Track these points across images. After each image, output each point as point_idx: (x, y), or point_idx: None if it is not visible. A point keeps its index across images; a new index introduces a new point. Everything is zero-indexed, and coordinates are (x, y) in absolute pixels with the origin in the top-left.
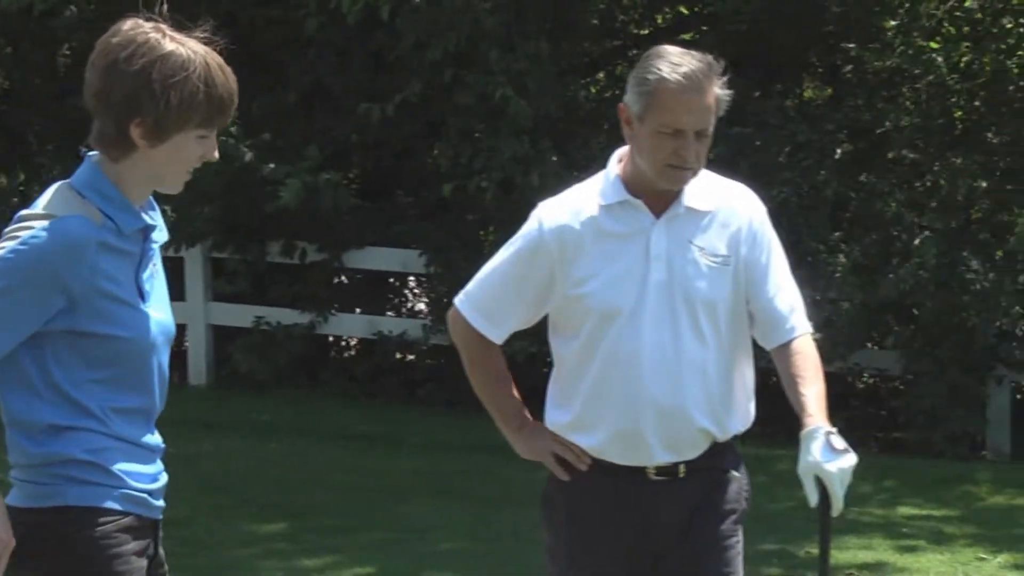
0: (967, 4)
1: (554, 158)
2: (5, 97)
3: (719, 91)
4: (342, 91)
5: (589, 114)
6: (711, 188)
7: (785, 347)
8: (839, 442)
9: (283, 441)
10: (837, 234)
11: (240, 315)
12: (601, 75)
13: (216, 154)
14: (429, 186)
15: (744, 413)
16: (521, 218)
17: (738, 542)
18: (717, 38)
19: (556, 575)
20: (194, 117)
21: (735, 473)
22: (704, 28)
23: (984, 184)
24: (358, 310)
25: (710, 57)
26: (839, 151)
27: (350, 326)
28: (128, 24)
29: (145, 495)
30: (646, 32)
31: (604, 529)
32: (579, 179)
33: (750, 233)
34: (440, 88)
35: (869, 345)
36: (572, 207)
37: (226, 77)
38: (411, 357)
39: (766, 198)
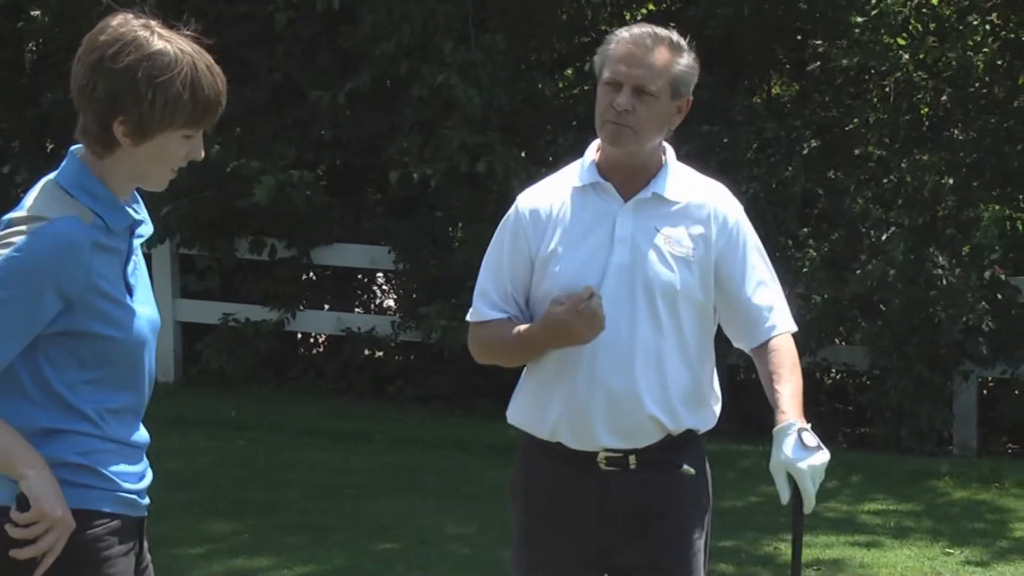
0: (933, 1)
1: (523, 154)
2: None
3: (676, 65)
4: (310, 87)
5: (556, 109)
6: (686, 181)
7: (764, 346)
8: (811, 439)
9: (251, 438)
10: (805, 230)
11: (208, 312)
12: (569, 71)
13: (202, 153)
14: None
15: (706, 411)
16: (488, 214)
17: (699, 540)
18: (686, 35)
19: (514, 559)
20: (179, 117)
21: (690, 469)
22: (672, 25)
23: (951, 181)
24: (327, 307)
25: (675, 34)
26: (807, 147)
27: (319, 323)
28: (117, 20)
29: (134, 496)
30: (615, 29)
31: (557, 514)
32: (545, 174)
33: (725, 230)
34: (403, 82)
35: (837, 341)
36: (546, 190)
37: (214, 78)
38: (380, 354)
39: (735, 193)
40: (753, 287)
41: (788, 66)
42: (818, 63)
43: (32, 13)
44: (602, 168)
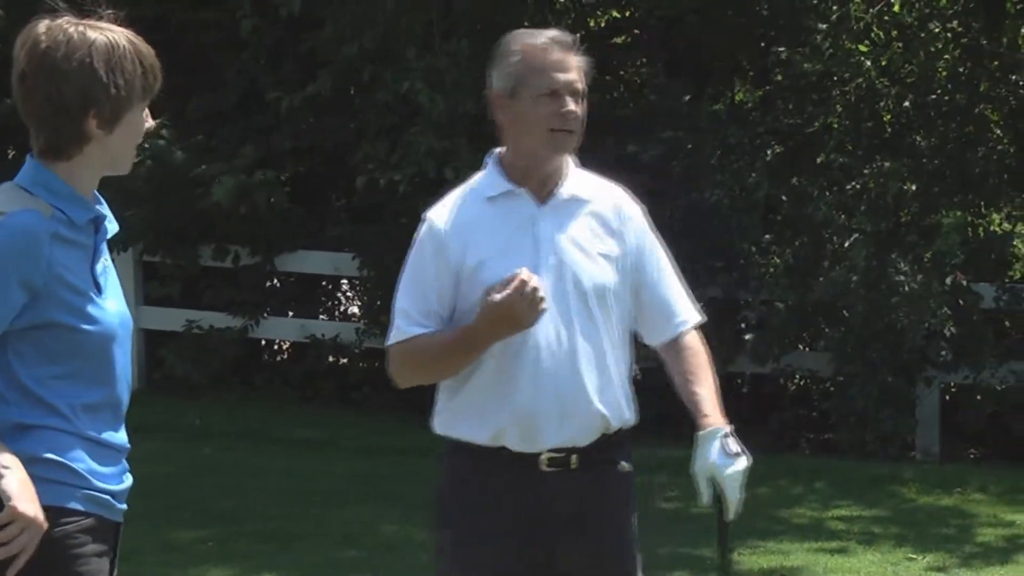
0: (896, 9)
1: (487, 158)
2: None
3: (584, 63)
4: (272, 92)
5: None
6: (590, 182)
7: (675, 342)
8: (734, 445)
9: (216, 445)
10: (768, 236)
11: (172, 319)
12: None
13: (152, 122)
14: (360, 190)
15: (632, 406)
16: None
17: (635, 538)
18: (650, 42)
19: (446, 570)
20: (138, 91)
21: (627, 466)
22: (636, 32)
23: (913, 187)
24: (291, 313)
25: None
26: (770, 154)
27: (283, 330)
28: (42, 27)
29: (108, 497)
30: (578, 35)
31: (497, 520)
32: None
33: (635, 227)
34: (366, 88)
35: (800, 347)
36: (458, 204)
37: (147, 48)
38: (344, 360)
39: (699, 200)
40: (664, 282)
41: (752, 73)
42: (780, 69)
43: None
44: (514, 176)
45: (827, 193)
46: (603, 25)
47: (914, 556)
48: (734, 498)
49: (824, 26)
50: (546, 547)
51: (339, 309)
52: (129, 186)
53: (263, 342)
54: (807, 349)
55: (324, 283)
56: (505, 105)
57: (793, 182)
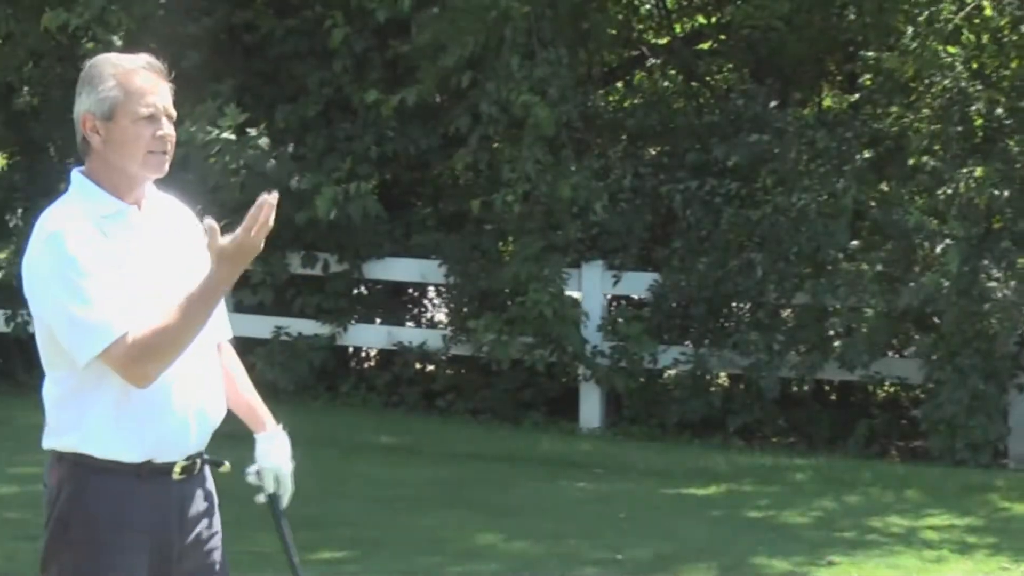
0: (987, 12)
1: (572, 167)
2: (34, 114)
3: (169, 88)
4: (359, 100)
5: (607, 123)
6: (154, 190)
7: (223, 344)
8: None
9: (302, 451)
10: (856, 242)
11: (261, 326)
12: (620, 84)
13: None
14: (447, 197)
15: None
16: (537, 227)
17: None
18: (735, 47)
19: None
20: None
21: (228, 465)
22: (722, 37)
23: (1006, 193)
24: (378, 321)
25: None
26: (858, 158)
27: (370, 337)
28: None
29: None
30: (664, 42)
31: (137, 536)
32: (600, 188)
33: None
34: (456, 96)
35: (890, 354)
36: (78, 223)
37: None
38: (430, 367)
39: (786, 205)
40: None
41: (839, 77)
42: (869, 73)
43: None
44: (118, 194)
45: (917, 198)
46: (689, 32)
47: (1008, 566)
48: (290, 489)
49: (912, 28)
50: (175, 556)
51: (425, 316)
52: (225, 195)
53: (350, 349)
54: (897, 356)
55: (411, 290)
56: (99, 129)
57: (882, 187)
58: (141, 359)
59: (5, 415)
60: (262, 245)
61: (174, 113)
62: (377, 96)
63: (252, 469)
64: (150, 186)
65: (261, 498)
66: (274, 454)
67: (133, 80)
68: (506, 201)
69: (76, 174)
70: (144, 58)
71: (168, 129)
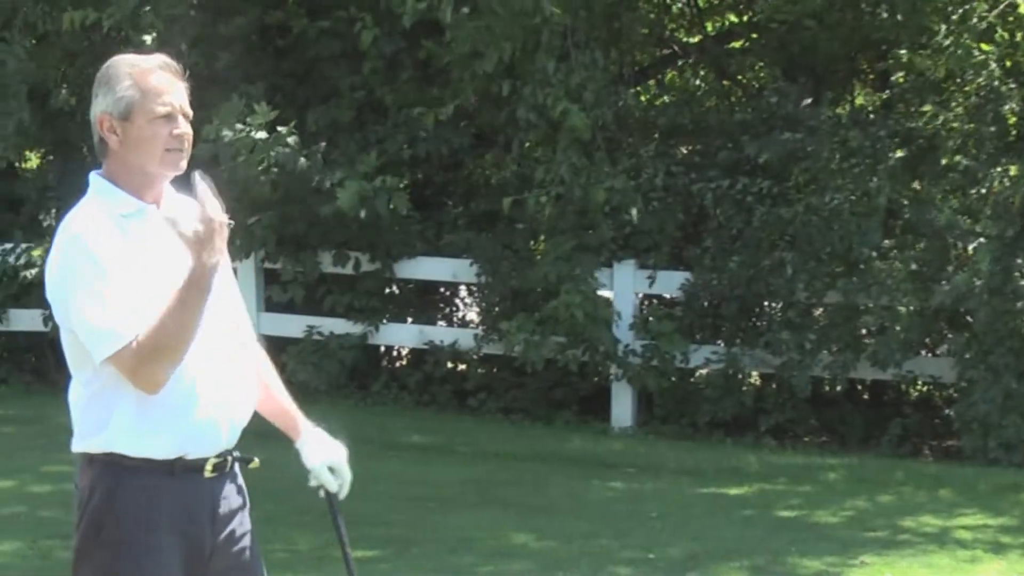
0: (1020, 10)
1: (606, 168)
2: (69, 114)
3: (185, 88)
4: (392, 102)
5: (639, 122)
6: (172, 191)
7: (254, 348)
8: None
9: None
10: (889, 241)
11: (292, 325)
12: (651, 84)
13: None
14: (478, 196)
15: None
16: (569, 226)
17: None
18: (767, 45)
19: None
20: None
21: (257, 462)
22: (754, 36)
23: None
24: (409, 320)
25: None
26: (891, 157)
27: (402, 336)
28: None
29: None
30: (695, 40)
31: (166, 537)
32: (633, 187)
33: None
34: (489, 99)
35: (923, 352)
36: (99, 222)
37: None
38: (462, 367)
39: (819, 204)
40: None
41: (871, 76)
42: (902, 72)
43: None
44: (136, 194)
45: (951, 197)
46: (720, 30)
47: None
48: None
49: (945, 27)
50: (208, 553)
51: (457, 315)
52: (255, 193)
53: (382, 348)
54: (929, 355)
55: (442, 289)
56: (117, 129)
57: (915, 186)
58: (146, 362)
59: (39, 414)
60: (225, 220)
61: (190, 112)
62: (420, 110)
63: (312, 479)
64: (168, 186)
65: (322, 494)
66: (320, 450)
67: (149, 79)
68: (539, 202)
69: (94, 176)
70: (160, 58)
71: (185, 127)
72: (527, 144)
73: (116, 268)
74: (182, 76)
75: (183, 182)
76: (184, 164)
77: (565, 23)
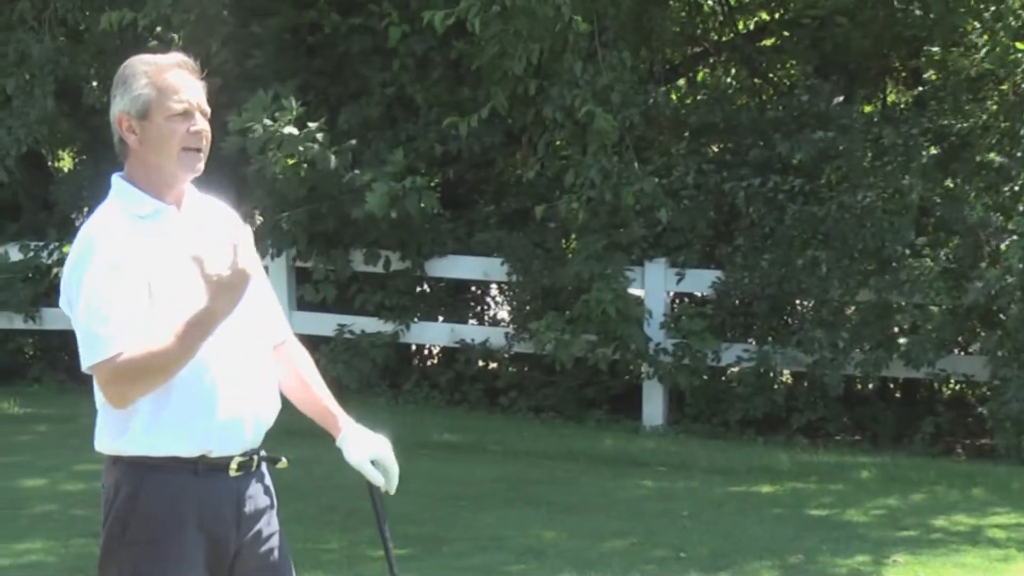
0: None
1: (635, 165)
2: (102, 112)
3: (203, 86)
4: (423, 101)
5: (669, 120)
6: (195, 191)
7: (293, 344)
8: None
9: None
10: (922, 239)
11: (324, 323)
12: (682, 82)
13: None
14: (509, 195)
15: None
16: (601, 225)
17: None
18: (799, 43)
19: None
20: None
21: (285, 461)
22: (786, 33)
23: None
24: (440, 318)
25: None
26: (924, 155)
27: (433, 334)
28: None
29: None
30: (727, 38)
31: (191, 535)
32: (661, 186)
33: (246, 236)
34: (520, 99)
35: (955, 351)
36: (117, 223)
37: None
38: (493, 365)
39: (851, 202)
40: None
41: (904, 73)
42: (934, 70)
43: (157, 30)
44: (156, 195)
45: (983, 194)
46: (752, 28)
47: None
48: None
49: (979, 24)
50: (233, 552)
51: (488, 314)
52: (286, 191)
53: (413, 347)
54: (962, 353)
55: (473, 288)
56: (135, 129)
57: (947, 184)
58: (124, 380)
59: (72, 412)
60: (250, 275)
61: (208, 110)
62: (453, 118)
63: (369, 476)
64: (190, 187)
65: (382, 489)
66: (363, 445)
67: (165, 77)
68: (571, 208)
69: (115, 177)
70: (177, 56)
71: (202, 124)
72: (556, 143)
73: (125, 273)
74: (200, 74)
75: (207, 182)
76: (201, 166)
77: (591, 23)
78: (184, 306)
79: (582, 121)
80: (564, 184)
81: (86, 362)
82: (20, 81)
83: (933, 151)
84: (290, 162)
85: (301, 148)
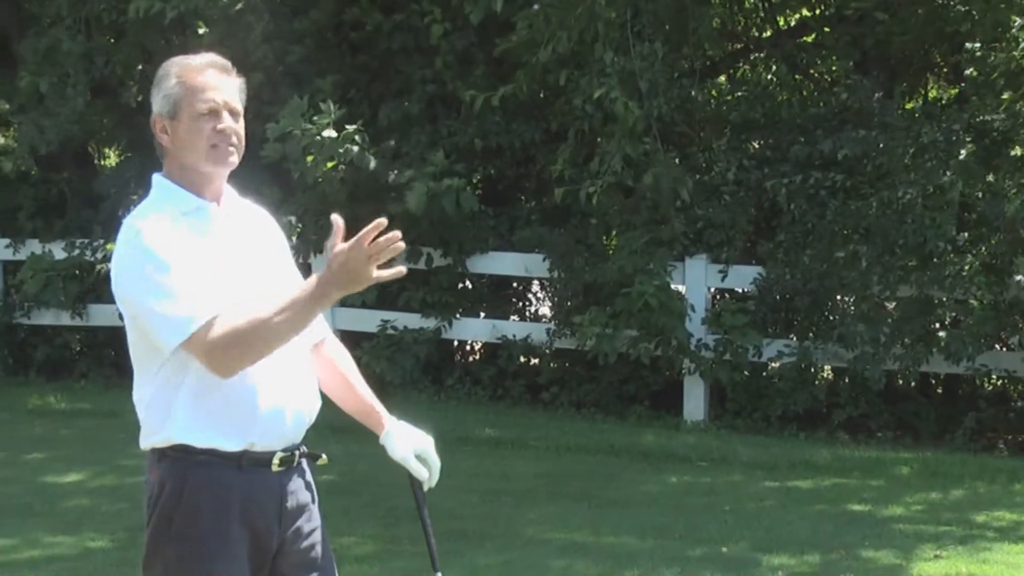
0: None
1: (676, 160)
2: (147, 110)
3: (239, 84)
4: (465, 97)
5: (709, 116)
6: (233, 192)
7: (332, 343)
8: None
9: None
10: (963, 234)
11: (367, 320)
12: (722, 78)
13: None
14: (550, 191)
15: None
16: (642, 221)
17: None
18: (839, 40)
19: None
20: None
21: (325, 458)
22: (826, 29)
23: None
24: (482, 315)
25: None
26: (964, 151)
27: (475, 330)
28: None
29: None
30: (767, 34)
31: (235, 529)
32: (700, 181)
33: (282, 239)
34: (555, 91)
35: (997, 347)
36: (162, 220)
37: None
38: (535, 361)
39: (892, 198)
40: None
41: (944, 70)
42: (975, 66)
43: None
44: (196, 192)
45: None
46: (793, 24)
47: None
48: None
49: (1020, 20)
50: (274, 548)
51: (529, 310)
52: (327, 191)
53: (455, 342)
54: (1004, 348)
55: (515, 284)
56: (167, 130)
57: (988, 179)
58: (227, 347)
59: (118, 408)
60: (373, 273)
61: (239, 109)
62: (473, 93)
63: (413, 470)
64: (228, 188)
65: (426, 485)
66: (406, 440)
67: (194, 77)
68: (589, 193)
69: (156, 177)
70: (209, 56)
71: (228, 123)
72: (586, 132)
73: (178, 260)
74: (234, 73)
75: (248, 189)
76: (235, 160)
77: (623, 15)
78: (231, 297)
79: (609, 110)
80: (590, 171)
81: (173, 341)
82: (52, 80)
83: (973, 148)
84: (329, 165)
85: (340, 150)
